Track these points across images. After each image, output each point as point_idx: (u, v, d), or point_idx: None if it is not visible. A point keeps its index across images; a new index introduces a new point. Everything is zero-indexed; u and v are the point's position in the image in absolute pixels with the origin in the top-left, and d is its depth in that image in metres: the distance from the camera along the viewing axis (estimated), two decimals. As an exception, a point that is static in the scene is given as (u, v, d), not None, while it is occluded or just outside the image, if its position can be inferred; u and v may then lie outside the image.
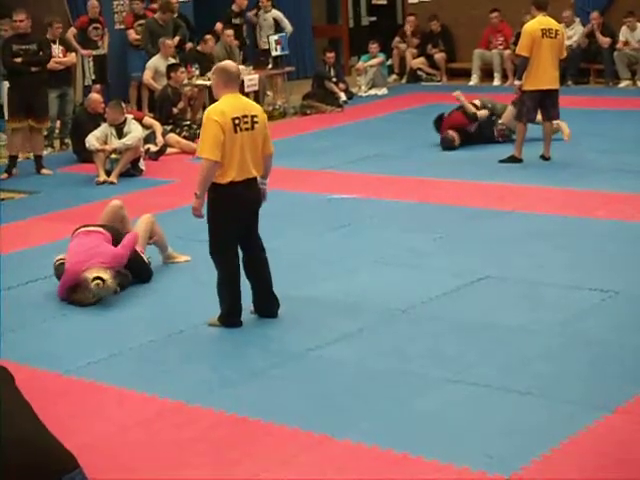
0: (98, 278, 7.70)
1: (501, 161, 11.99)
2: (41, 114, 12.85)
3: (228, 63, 7.30)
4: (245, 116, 6.91)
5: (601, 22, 17.62)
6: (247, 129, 6.90)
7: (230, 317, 7.18)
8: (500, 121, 13.24)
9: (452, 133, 13.16)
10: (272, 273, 7.24)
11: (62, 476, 2.94)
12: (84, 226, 8.40)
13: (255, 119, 6.96)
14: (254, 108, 7.11)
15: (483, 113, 13.32)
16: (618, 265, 8.16)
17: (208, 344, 7.02)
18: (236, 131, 6.86)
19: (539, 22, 11.68)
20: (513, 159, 11.94)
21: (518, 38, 12.46)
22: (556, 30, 11.71)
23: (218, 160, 6.81)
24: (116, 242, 8.20)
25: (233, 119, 6.85)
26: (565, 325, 6.92)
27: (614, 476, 4.98)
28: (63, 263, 8.05)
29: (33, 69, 12.65)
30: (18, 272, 8.78)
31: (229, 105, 6.92)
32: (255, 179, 7.05)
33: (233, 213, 7.00)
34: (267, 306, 7.32)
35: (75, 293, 7.89)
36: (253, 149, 6.97)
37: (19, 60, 12.62)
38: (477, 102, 13.49)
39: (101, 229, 8.33)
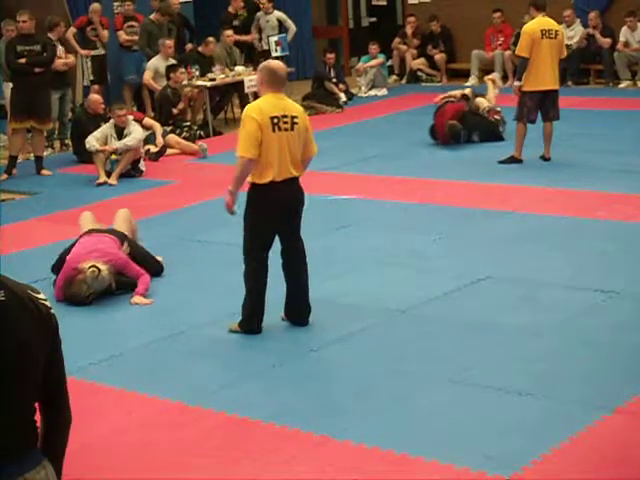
0: (94, 266, 7.73)
1: (501, 162, 12.00)
2: (43, 115, 12.85)
3: (277, 63, 7.20)
4: (285, 116, 6.81)
5: (600, 22, 17.62)
6: (286, 129, 6.81)
7: (250, 323, 7.08)
8: (487, 104, 13.50)
9: (455, 122, 13.23)
10: (271, 273, 7.21)
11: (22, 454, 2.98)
12: (92, 230, 8.41)
13: (295, 120, 6.85)
14: (295, 109, 6.98)
15: (469, 90, 13.69)
16: (618, 265, 8.17)
17: (209, 345, 7.02)
18: (274, 130, 6.76)
19: (538, 23, 11.68)
20: (513, 159, 11.95)
21: (517, 39, 12.47)
22: (556, 31, 11.71)
23: (254, 158, 6.74)
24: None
25: (272, 118, 6.75)
26: (565, 325, 6.93)
27: (614, 476, 4.98)
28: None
29: (37, 70, 12.66)
30: (18, 273, 8.72)
31: (269, 104, 6.83)
32: (296, 179, 6.95)
33: (272, 213, 6.90)
34: (299, 313, 7.20)
35: (69, 288, 7.87)
36: (293, 149, 6.87)
37: (23, 61, 12.65)
38: (467, 91, 13.67)
39: (108, 234, 8.33)
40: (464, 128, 13.29)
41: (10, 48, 12.84)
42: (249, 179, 6.88)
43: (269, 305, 7.05)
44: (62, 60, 13.83)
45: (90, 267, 7.73)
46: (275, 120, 6.77)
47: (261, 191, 6.86)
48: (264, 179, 6.80)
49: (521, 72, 11.74)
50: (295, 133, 6.87)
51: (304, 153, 7.02)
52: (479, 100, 13.75)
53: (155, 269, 8.40)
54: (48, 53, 12.86)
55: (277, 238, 7.07)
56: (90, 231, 8.37)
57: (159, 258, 8.76)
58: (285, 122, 6.82)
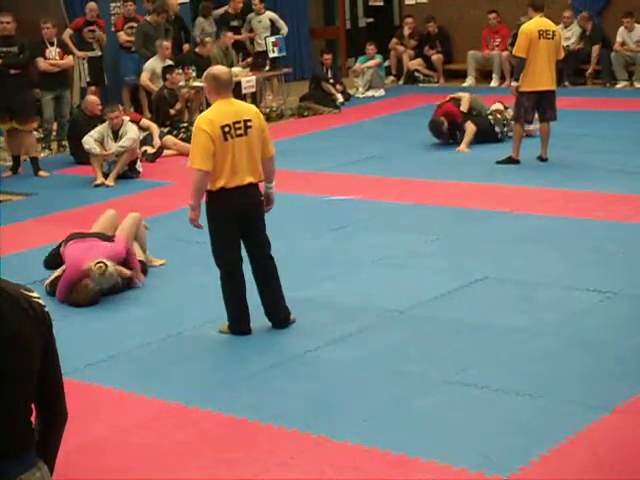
0: (101, 262, 7.76)
1: (498, 162, 12.01)
2: (24, 115, 12.84)
3: (218, 69, 7.20)
4: (237, 122, 6.80)
5: (591, 24, 17.64)
6: (240, 135, 6.80)
7: (236, 325, 7.12)
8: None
9: (441, 118, 13.35)
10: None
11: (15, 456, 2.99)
12: (76, 234, 8.42)
13: (249, 124, 6.84)
14: (248, 112, 6.96)
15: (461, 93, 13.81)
16: (616, 266, 8.17)
17: (206, 346, 7.02)
18: (226, 139, 6.75)
19: (536, 23, 11.69)
20: (510, 160, 11.96)
21: (515, 39, 12.47)
22: (553, 31, 11.72)
23: (209, 170, 6.75)
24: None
25: (222, 127, 6.74)
26: (563, 326, 6.93)
27: (612, 476, 4.98)
28: (59, 277, 8.07)
29: (12, 71, 12.68)
30: (16, 274, 8.75)
31: (219, 112, 6.82)
32: (252, 185, 6.91)
33: (225, 219, 6.92)
34: (276, 315, 7.22)
35: (73, 293, 7.88)
36: (248, 154, 6.85)
37: None
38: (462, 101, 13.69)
39: (94, 237, 8.34)
40: (460, 129, 13.32)
41: None
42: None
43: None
44: (51, 62, 13.81)
45: (97, 263, 7.75)
46: (226, 129, 6.76)
47: (214, 198, 6.88)
48: (215, 186, 6.81)
49: (518, 72, 11.75)
50: (250, 137, 6.85)
51: (265, 154, 7.01)
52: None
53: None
54: (25, 54, 12.89)
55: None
56: (75, 237, 8.35)
57: (160, 261, 8.77)
58: (238, 128, 6.80)
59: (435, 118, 13.40)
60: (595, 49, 17.49)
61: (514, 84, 11.86)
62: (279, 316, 7.21)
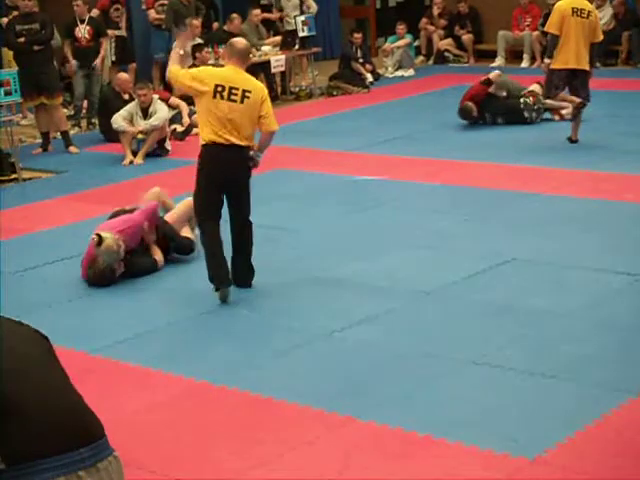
0: (97, 235, 7.71)
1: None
2: (51, 90, 12.92)
3: (237, 39, 7.68)
4: (234, 88, 7.15)
5: (624, 8, 17.46)
6: (233, 100, 7.14)
7: (214, 280, 7.35)
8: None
9: (470, 104, 13.25)
10: (297, 254, 7.21)
11: (95, 440, 2.99)
12: (116, 211, 8.41)
13: (247, 94, 7.19)
14: (251, 84, 7.29)
15: (495, 74, 13.52)
16: (645, 248, 8.12)
17: (234, 324, 7.03)
18: (214, 97, 7.13)
19: (570, 1, 11.52)
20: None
21: (546, 19, 12.33)
22: (588, 11, 11.51)
23: (179, 74, 7.32)
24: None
25: (216, 85, 7.13)
26: (592, 308, 6.90)
27: (639, 458, 4.96)
28: None
29: (36, 48, 12.76)
30: (45, 251, 8.83)
31: (223, 73, 7.27)
32: (237, 147, 7.20)
33: (210, 174, 7.29)
34: (241, 275, 7.50)
35: (89, 268, 7.89)
36: (238, 121, 7.15)
37: (22, 40, 12.74)
38: (491, 75, 13.53)
39: (127, 213, 8.31)
40: (488, 111, 13.25)
41: (10, 28, 13.01)
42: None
43: (297, 287, 7.04)
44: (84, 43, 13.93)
45: (94, 236, 7.72)
46: (219, 88, 7.14)
47: (202, 150, 7.33)
48: (203, 139, 7.28)
49: (551, 50, 11.61)
50: (244, 106, 7.17)
51: (261, 127, 7.32)
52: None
53: (183, 248, 8.39)
54: (47, 31, 12.96)
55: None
56: (113, 214, 8.35)
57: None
58: (234, 94, 7.14)
59: (464, 105, 13.28)
60: (625, 35, 17.28)
61: (547, 61, 11.72)
62: (246, 277, 7.53)
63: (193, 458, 5.19)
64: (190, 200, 8.70)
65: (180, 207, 8.65)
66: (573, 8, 11.43)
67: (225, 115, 7.14)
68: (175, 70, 7.37)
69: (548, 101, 12.64)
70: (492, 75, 13.49)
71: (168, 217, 8.53)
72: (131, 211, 8.29)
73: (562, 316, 6.79)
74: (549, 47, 11.79)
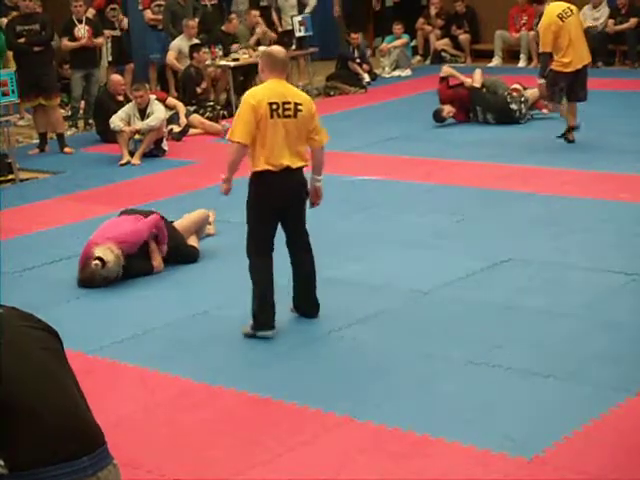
0: (98, 259, 7.68)
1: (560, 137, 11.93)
2: (49, 91, 12.93)
3: (275, 48, 7.10)
4: (287, 102, 6.57)
5: (626, 2, 17.47)
6: (288, 116, 6.56)
7: (257, 320, 6.75)
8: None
9: (441, 106, 13.50)
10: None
11: (97, 449, 2.99)
12: (125, 210, 8.40)
13: (299, 107, 6.60)
14: (300, 96, 6.75)
15: (477, 77, 13.63)
16: (642, 248, 8.13)
17: (231, 325, 7.02)
18: (272, 116, 6.51)
19: (551, 13, 11.56)
20: (570, 129, 11.86)
21: (540, 19, 12.34)
22: (570, 8, 11.60)
23: (247, 144, 6.55)
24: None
25: (270, 104, 6.52)
26: (588, 308, 6.90)
27: (637, 458, 4.97)
28: None
29: (36, 49, 12.77)
30: (43, 251, 8.83)
31: (269, 90, 6.60)
32: (293, 170, 6.64)
33: (265, 203, 6.67)
34: (305, 310, 7.02)
35: (83, 272, 7.86)
36: (295, 137, 6.62)
37: (22, 41, 12.75)
38: (475, 82, 13.59)
39: (137, 214, 8.29)
40: (479, 105, 13.33)
41: (10, 28, 13.02)
42: (251, 168, 6.70)
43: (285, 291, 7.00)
44: (82, 42, 13.91)
45: (95, 259, 7.68)
46: (274, 106, 6.53)
47: (255, 179, 6.67)
48: (258, 166, 6.59)
49: (544, 68, 11.64)
50: (299, 121, 6.62)
51: (312, 143, 6.78)
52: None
53: (187, 256, 8.36)
54: (47, 31, 12.98)
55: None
56: (122, 213, 8.34)
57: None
58: (287, 109, 6.56)
59: (436, 109, 13.50)
60: (633, 21, 17.23)
61: (541, 82, 11.72)
62: (312, 309, 7.04)
63: (191, 458, 5.19)
64: (203, 211, 8.70)
65: (191, 217, 8.64)
66: (558, 15, 11.47)
67: (282, 133, 6.56)
68: (234, 138, 6.61)
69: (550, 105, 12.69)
70: (476, 75, 13.56)
71: (177, 224, 8.51)
72: (142, 212, 8.28)
73: (559, 315, 6.79)
74: (542, 66, 11.79)
